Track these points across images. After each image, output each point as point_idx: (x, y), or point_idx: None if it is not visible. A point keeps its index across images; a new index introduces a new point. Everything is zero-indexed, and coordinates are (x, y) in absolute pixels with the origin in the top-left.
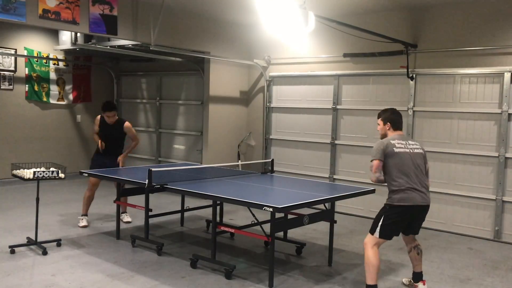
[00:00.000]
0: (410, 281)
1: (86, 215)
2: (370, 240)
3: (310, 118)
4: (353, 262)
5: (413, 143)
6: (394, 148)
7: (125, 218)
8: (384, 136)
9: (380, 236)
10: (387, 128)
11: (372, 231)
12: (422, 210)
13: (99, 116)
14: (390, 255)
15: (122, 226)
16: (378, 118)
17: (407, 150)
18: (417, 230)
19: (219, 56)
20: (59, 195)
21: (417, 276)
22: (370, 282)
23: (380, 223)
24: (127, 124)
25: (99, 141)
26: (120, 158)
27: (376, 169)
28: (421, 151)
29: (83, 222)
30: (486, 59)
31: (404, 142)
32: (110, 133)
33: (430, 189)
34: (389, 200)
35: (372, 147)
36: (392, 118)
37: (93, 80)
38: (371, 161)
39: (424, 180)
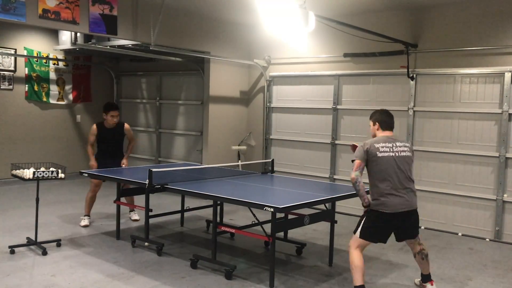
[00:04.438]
0: (420, 281)
1: (88, 215)
2: (353, 241)
3: (310, 118)
4: None
5: (401, 144)
6: (378, 153)
7: (134, 216)
8: (374, 136)
9: (361, 237)
10: (376, 128)
11: (354, 231)
12: (406, 216)
13: (95, 126)
14: (390, 255)
15: (122, 226)
16: (370, 119)
17: (392, 154)
18: (411, 235)
19: (219, 56)
20: (59, 195)
21: (425, 278)
22: (356, 283)
23: (361, 224)
24: (127, 125)
25: (92, 157)
26: (124, 162)
27: (357, 168)
28: (409, 153)
29: (84, 222)
30: (486, 59)
31: (390, 145)
32: (111, 136)
33: (431, 189)
34: (371, 204)
35: None
36: (380, 119)
37: (93, 80)
38: (352, 161)
39: (408, 184)
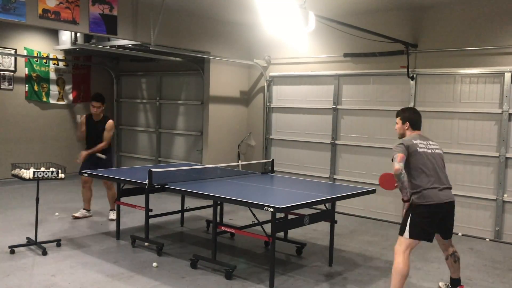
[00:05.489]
0: (448, 285)
1: (85, 209)
2: (401, 245)
3: (310, 118)
4: (353, 262)
5: (433, 143)
6: (417, 148)
7: (111, 215)
8: (402, 135)
9: (411, 236)
10: (406, 127)
11: (401, 232)
12: (448, 208)
13: (84, 116)
14: (391, 255)
15: (122, 226)
16: (396, 116)
17: (429, 151)
18: (449, 232)
19: (219, 56)
20: (59, 195)
21: (454, 282)
22: None
23: (408, 222)
24: (110, 122)
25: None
26: (83, 153)
27: (401, 160)
28: (440, 151)
29: (77, 214)
30: (486, 59)
31: (425, 143)
32: (94, 129)
33: None
34: (414, 200)
35: (373, 147)
36: (412, 118)
37: (93, 80)
38: (392, 160)
39: (447, 181)
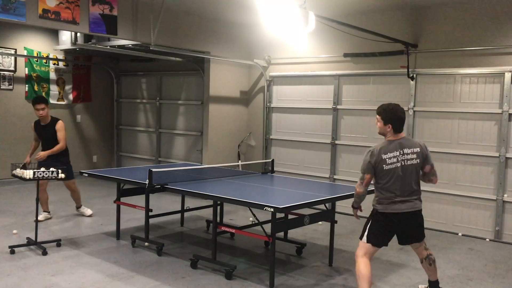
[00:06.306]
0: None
1: (46, 211)
2: (359, 249)
3: (310, 118)
4: (353, 262)
5: (409, 151)
6: (384, 165)
7: (87, 212)
8: (383, 135)
9: (368, 241)
10: (388, 129)
11: (360, 236)
12: (411, 217)
13: (32, 125)
14: (390, 255)
15: (122, 226)
16: (377, 114)
17: (398, 164)
18: (417, 238)
19: (219, 56)
20: (59, 195)
21: (433, 285)
22: None
23: (368, 227)
24: (60, 123)
25: (29, 153)
26: (40, 153)
27: (367, 184)
28: (416, 161)
29: (40, 217)
30: (486, 59)
31: (397, 153)
32: (46, 134)
33: (431, 189)
34: (374, 206)
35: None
36: (395, 119)
37: (93, 80)
38: (362, 174)
39: (412, 191)
